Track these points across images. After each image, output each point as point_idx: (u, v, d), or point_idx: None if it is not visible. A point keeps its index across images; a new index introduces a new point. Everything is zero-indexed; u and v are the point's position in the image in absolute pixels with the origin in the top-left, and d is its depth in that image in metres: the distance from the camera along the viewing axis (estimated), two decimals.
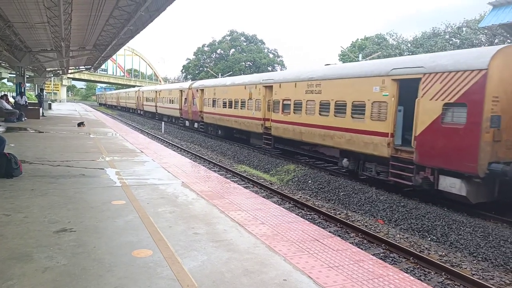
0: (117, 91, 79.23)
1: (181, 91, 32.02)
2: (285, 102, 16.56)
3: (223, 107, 23.22)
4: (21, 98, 23.87)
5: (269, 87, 18.16)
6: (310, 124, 14.67)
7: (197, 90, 27.91)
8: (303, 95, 15.15)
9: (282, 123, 16.79)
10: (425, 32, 44.88)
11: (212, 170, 13.55)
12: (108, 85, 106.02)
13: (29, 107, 24.60)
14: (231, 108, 21.98)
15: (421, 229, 9.03)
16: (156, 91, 40.67)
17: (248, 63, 76.47)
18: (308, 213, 9.99)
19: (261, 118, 18.64)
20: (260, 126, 18.83)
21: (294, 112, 15.81)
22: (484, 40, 36.26)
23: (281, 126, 16.80)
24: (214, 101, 24.70)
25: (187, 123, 30.97)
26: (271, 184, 13.38)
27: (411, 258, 7.24)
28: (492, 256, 7.54)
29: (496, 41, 32.04)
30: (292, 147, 19.42)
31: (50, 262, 3.78)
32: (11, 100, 25.12)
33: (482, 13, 37.83)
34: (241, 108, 20.79)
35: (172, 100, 34.38)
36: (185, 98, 30.58)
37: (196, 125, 28.85)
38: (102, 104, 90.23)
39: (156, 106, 40.76)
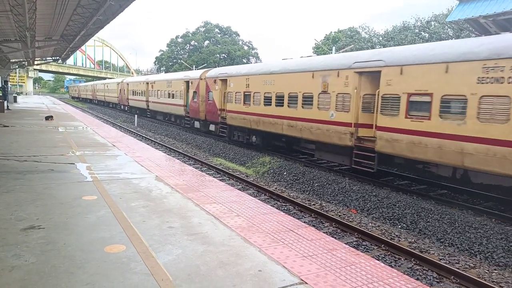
0: (92, 82, 70.15)
1: (186, 82, 24.66)
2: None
3: (265, 105, 15.91)
4: None
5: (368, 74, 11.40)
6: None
7: (215, 81, 20.71)
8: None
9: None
10: (395, 26, 45.92)
11: (187, 164, 13.43)
12: (78, 77, 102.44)
13: None
14: (282, 106, 14.88)
15: (392, 217, 9.33)
16: (148, 83, 33.32)
17: (223, 55, 75.85)
18: (284, 204, 10.10)
19: (350, 124, 11.77)
20: (346, 136, 11.93)
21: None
22: (451, 34, 37.50)
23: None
24: (246, 96, 17.48)
25: (196, 124, 24.00)
26: (247, 176, 13.42)
27: (383, 245, 7.47)
28: (458, 241, 7.90)
29: (462, 35, 33.22)
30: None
31: (18, 260, 3.66)
32: None
33: (449, 7, 39.11)
34: (303, 107, 13.76)
35: (173, 94, 27.19)
36: (194, 92, 23.34)
37: (212, 127, 22.15)
38: (75, 98, 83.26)
39: (147, 101, 33.57)
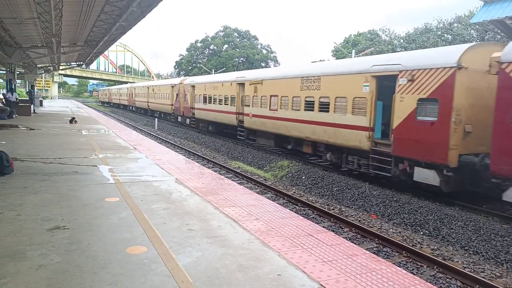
0: (128, 85, 56.66)
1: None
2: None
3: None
4: (12, 95, 23.57)
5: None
6: None
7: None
8: None
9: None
10: (417, 28, 45.10)
11: (206, 167, 13.54)
12: (100, 81, 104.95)
13: (20, 104, 24.36)
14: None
15: (413, 223, 9.12)
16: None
17: (242, 59, 76.25)
18: (302, 208, 10.04)
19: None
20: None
21: None
22: (475, 35, 36.54)
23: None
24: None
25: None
26: (265, 180, 13.42)
27: (404, 252, 7.32)
28: (483, 249, 7.65)
29: (487, 37, 32.32)
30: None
31: (44, 259, 3.77)
32: (1, 97, 24.81)
33: (472, 9, 38.13)
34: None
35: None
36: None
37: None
38: (104, 103, 73.53)
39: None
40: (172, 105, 32.19)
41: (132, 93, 48.29)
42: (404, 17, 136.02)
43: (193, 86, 27.27)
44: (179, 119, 31.07)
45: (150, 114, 41.24)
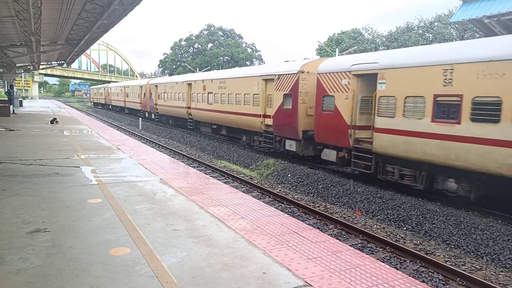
0: (138, 82, 43.23)
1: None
2: None
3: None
4: None
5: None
6: None
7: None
8: None
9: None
10: (399, 26, 45.81)
11: (191, 166, 13.45)
12: (82, 81, 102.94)
13: None
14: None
15: (397, 219, 9.28)
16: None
17: (226, 57, 76.01)
18: (288, 206, 10.09)
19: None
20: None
21: None
22: (455, 34, 37.33)
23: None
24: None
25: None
26: (251, 178, 13.42)
27: (388, 247, 7.44)
28: (464, 243, 7.84)
29: (466, 35, 33.05)
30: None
31: (24, 263, 3.68)
32: None
33: (452, 8, 38.94)
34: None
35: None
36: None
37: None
38: (98, 105, 62.55)
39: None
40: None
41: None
42: (392, 16, 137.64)
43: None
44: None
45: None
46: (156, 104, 32.03)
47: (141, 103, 37.39)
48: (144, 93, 35.61)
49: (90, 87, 76.12)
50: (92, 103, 71.35)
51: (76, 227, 4.75)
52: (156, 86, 32.02)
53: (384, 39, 45.98)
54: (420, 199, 10.21)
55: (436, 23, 41.10)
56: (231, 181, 12.75)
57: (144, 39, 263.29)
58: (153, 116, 34.13)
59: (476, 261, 7.15)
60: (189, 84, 25.18)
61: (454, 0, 27.73)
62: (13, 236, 4.37)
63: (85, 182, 7.19)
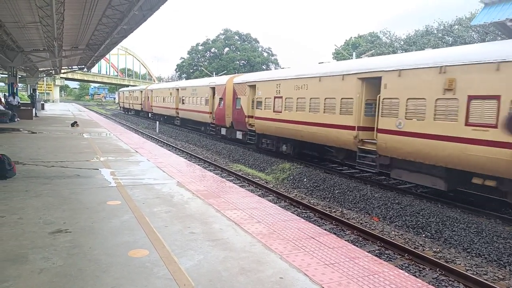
0: (198, 81, 30.61)
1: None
2: None
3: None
4: (14, 99, 23.65)
5: None
6: None
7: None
8: None
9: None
10: (418, 30, 45.15)
11: (208, 170, 13.54)
12: (102, 85, 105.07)
13: (21, 108, 24.37)
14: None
15: (415, 226, 9.10)
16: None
17: (243, 62, 76.40)
18: (304, 211, 10.03)
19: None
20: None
21: None
22: (476, 37, 36.55)
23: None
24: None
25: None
26: (266, 182, 13.41)
27: (406, 254, 7.30)
28: (486, 251, 7.63)
29: (487, 38, 32.31)
30: None
31: (46, 263, 3.77)
32: (3, 100, 24.87)
33: (473, 11, 38.14)
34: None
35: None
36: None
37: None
38: (128, 111, 53.38)
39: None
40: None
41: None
42: (411, 16, 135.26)
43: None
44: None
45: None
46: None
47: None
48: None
49: (120, 89, 69.02)
50: (120, 108, 61.24)
51: (96, 228, 4.83)
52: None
53: (402, 43, 45.39)
54: (439, 206, 10.00)
55: (456, 26, 40.32)
56: (247, 184, 12.77)
57: (162, 43, 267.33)
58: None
59: (499, 270, 6.94)
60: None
61: (474, 0, 27.19)
62: (36, 236, 4.48)
63: (104, 184, 7.32)
